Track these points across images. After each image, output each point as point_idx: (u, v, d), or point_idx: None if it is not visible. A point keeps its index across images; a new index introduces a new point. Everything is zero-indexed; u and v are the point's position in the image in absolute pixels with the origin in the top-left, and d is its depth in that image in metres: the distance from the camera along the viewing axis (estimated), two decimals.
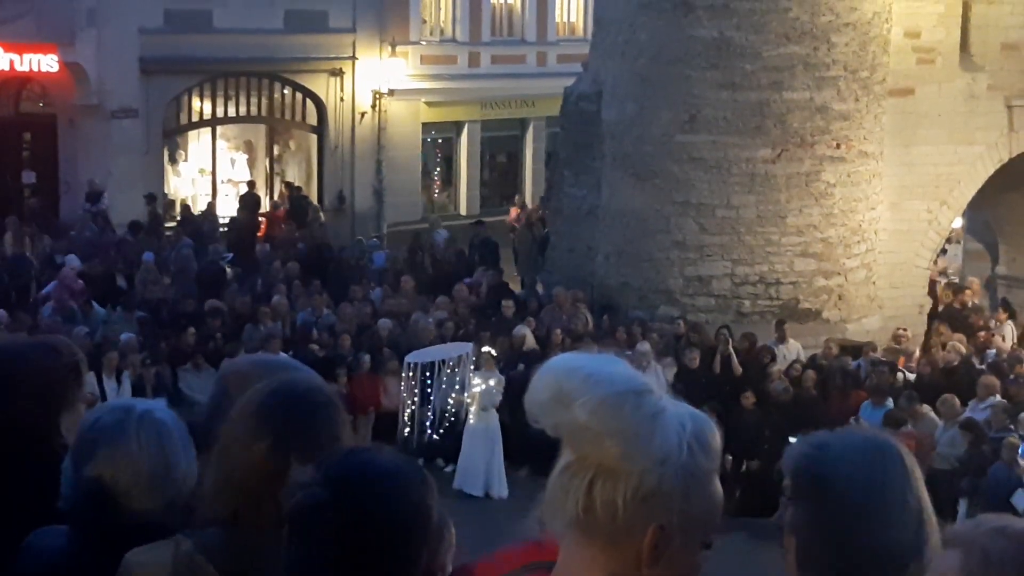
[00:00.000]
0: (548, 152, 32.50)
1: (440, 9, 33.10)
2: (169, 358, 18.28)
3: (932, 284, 23.37)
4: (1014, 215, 24.24)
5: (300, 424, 2.76)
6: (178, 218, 27.97)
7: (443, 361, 18.16)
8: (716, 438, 2.18)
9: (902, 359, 19.79)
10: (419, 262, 25.15)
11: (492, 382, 17.44)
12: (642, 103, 21.18)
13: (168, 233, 25.85)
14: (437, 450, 18.03)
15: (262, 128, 31.74)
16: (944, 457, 16.21)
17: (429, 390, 18.11)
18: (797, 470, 2.57)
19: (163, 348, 18.46)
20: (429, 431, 18.19)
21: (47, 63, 27.52)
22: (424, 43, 32.42)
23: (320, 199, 31.18)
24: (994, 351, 20.25)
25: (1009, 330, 21.65)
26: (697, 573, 2.18)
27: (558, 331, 19.34)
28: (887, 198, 21.65)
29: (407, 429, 18.05)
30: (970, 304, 22.90)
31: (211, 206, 28.84)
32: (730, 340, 18.97)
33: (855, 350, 19.60)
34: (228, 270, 23.89)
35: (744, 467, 17.25)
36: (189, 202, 29.74)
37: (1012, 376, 18.31)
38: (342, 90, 31.03)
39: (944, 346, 19.85)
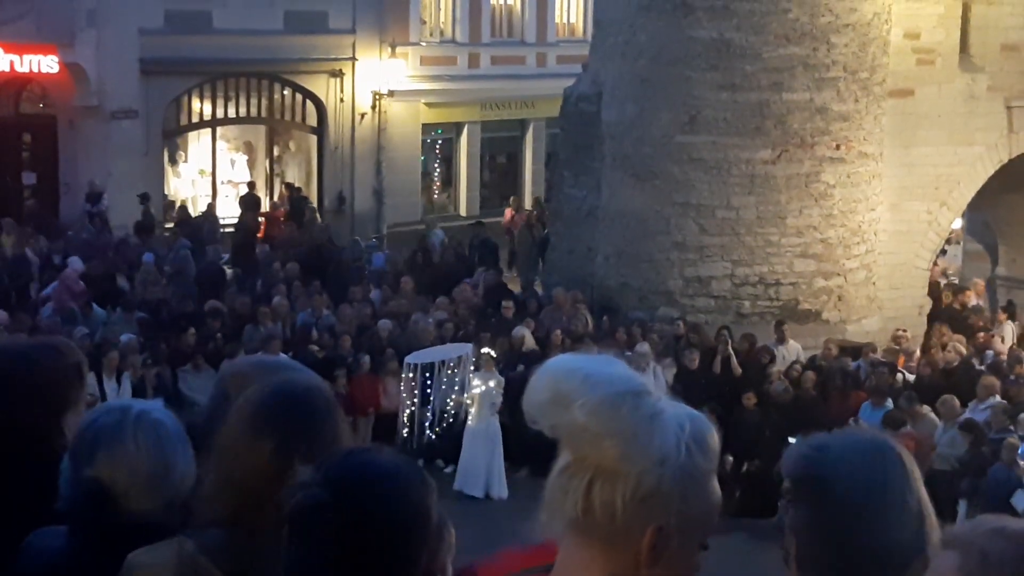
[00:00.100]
0: (548, 153, 32.55)
1: (440, 10, 33.11)
2: (169, 359, 18.26)
3: (936, 285, 23.38)
4: (1014, 216, 24.24)
5: (302, 425, 2.77)
6: (175, 219, 27.94)
7: (443, 362, 18.15)
8: (714, 438, 2.18)
9: (902, 358, 19.79)
10: (418, 263, 25.15)
11: (492, 383, 17.44)
12: (642, 104, 21.18)
13: (165, 234, 25.85)
14: (437, 451, 18.03)
15: (262, 129, 31.75)
16: (944, 458, 16.20)
17: (429, 391, 18.11)
18: (796, 472, 2.57)
19: (163, 349, 18.45)
20: (428, 432, 18.19)
21: (47, 64, 27.53)
22: (424, 44, 32.43)
23: (320, 200, 31.19)
24: (992, 352, 20.23)
25: (1009, 331, 21.64)
26: (696, 573, 2.19)
27: (558, 332, 19.33)
28: (887, 199, 21.65)
29: (406, 429, 18.05)
30: (970, 305, 22.91)
31: (211, 207, 28.84)
32: (730, 341, 18.97)
33: (855, 351, 19.60)
34: (228, 271, 23.89)
35: (744, 468, 17.24)
36: (189, 203, 29.75)
37: (1012, 377, 18.30)
38: (342, 91, 31.03)
39: (944, 347, 19.85)
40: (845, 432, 2.67)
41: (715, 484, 2.19)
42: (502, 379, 17.48)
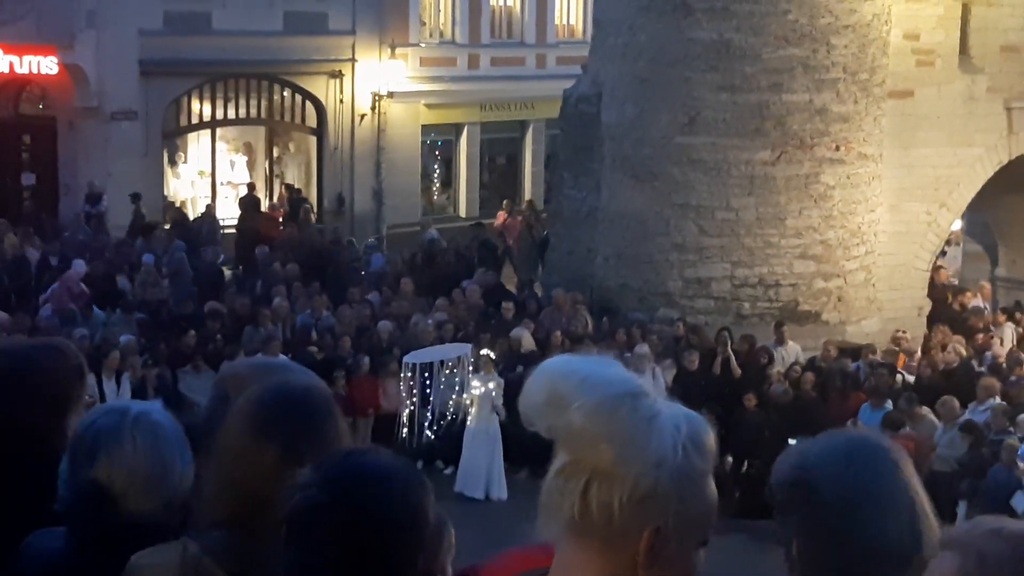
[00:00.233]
0: (548, 154, 32.53)
1: (440, 11, 33.10)
2: (169, 360, 18.27)
3: (943, 288, 23.36)
4: (1013, 217, 24.24)
5: (304, 426, 2.77)
6: (170, 221, 27.92)
7: (442, 362, 18.16)
8: (711, 438, 2.18)
9: (903, 357, 19.79)
10: (418, 264, 25.15)
11: (491, 385, 17.44)
12: (642, 105, 21.18)
13: (161, 235, 25.83)
14: (437, 452, 18.04)
15: (262, 130, 31.74)
16: (944, 459, 16.20)
17: (428, 391, 18.12)
18: (782, 483, 2.56)
19: (163, 350, 18.46)
20: (428, 432, 18.19)
21: (47, 65, 27.52)
22: (423, 45, 32.42)
23: (320, 201, 31.20)
24: (990, 354, 20.23)
25: (1009, 332, 21.64)
26: (695, 574, 2.19)
27: (558, 333, 19.33)
28: (886, 200, 21.65)
29: (405, 429, 18.05)
30: (970, 306, 22.91)
31: (210, 208, 28.84)
32: (729, 342, 18.97)
33: (854, 352, 19.60)
34: (227, 272, 23.89)
35: (744, 469, 17.24)
36: (188, 204, 29.75)
37: (1013, 378, 18.29)
38: (341, 92, 31.03)
39: (944, 348, 19.85)
40: (829, 434, 2.66)
41: (712, 484, 2.19)
42: (501, 380, 17.49)
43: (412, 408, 18.06)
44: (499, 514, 15.51)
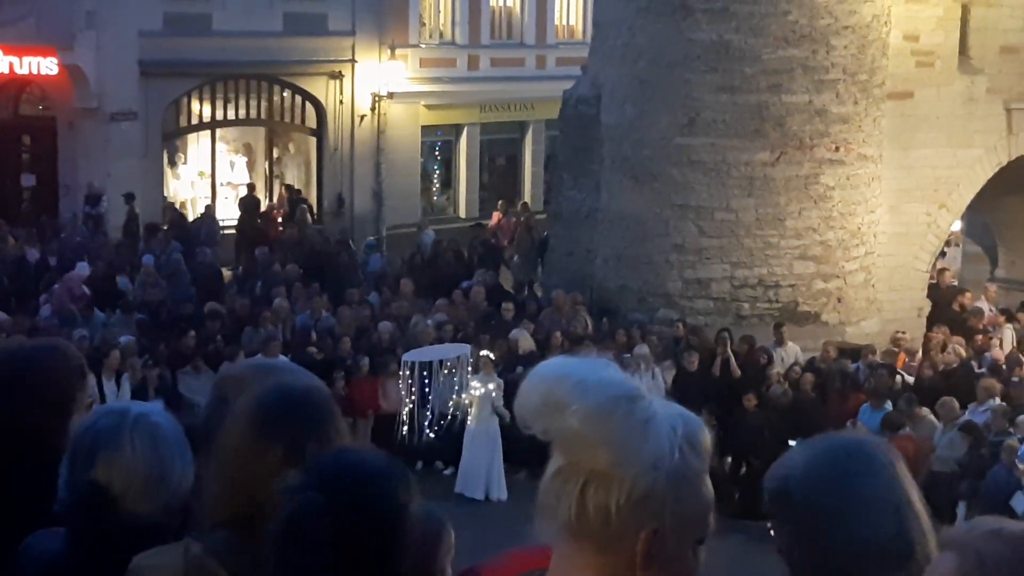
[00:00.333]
0: (547, 155, 32.53)
1: (439, 12, 33.11)
2: (169, 361, 18.27)
3: (947, 290, 23.34)
4: (1013, 218, 24.25)
5: (306, 427, 2.77)
6: (168, 222, 27.90)
7: (441, 362, 18.16)
8: (707, 438, 2.18)
9: (902, 358, 19.78)
10: (417, 264, 25.15)
11: (491, 386, 17.45)
12: (641, 106, 21.18)
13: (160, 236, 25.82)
14: (436, 453, 18.04)
15: (261, 131, 31.75)
16: (943, 460, 16.21)
17: (427, 391, 18.12)
18: (770, 493, 2.57)
19: (162, 351, 18.46)
20: (428, 432, 18.19)
21: (46, 66, 27.52)
22: (423, 46, 32.43)
23: (319, 202, 31.20)
24: (990, 355, 20.21)
25: (1009, 333, 21.63)
26: (694, 574, 2.19)
27: (557, 334, 19.33)
28: (886, 201, 21.65)
29: (405, 428, 18.04)
30: (969, 307, 22.89)
31: (210, 209, 28.83)
32: (729, 343, 18.97)
33: (854, 353, 19.59)
34: (226, 272, 23.87)
35: (743, 469, 17.24)
36: (188, 205, 29.74)
37: (1016, 379, 18.27)
38: (341, 93, 31.03)
39: (943, 348, 19.85)
40: (819, 437, 2.66)
41: (708, 483, 2.19)
42: (501, 381, 17.49)
43: (411, 406, 18.05)
44: (499, 515, 15.51)
